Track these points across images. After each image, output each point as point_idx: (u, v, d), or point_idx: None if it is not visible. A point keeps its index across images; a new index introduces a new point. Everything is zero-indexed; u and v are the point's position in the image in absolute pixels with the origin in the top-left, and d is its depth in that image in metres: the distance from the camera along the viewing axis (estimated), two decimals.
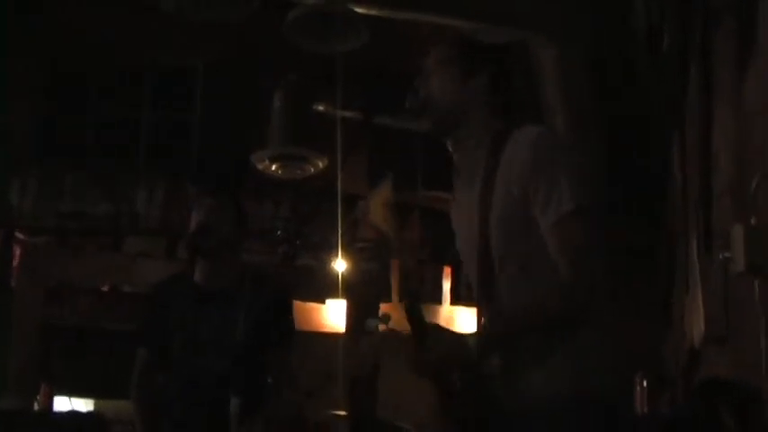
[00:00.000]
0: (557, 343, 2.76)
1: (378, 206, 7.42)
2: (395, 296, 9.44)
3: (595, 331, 2.79)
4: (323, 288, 9.74)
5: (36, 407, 9.00)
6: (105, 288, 11.17)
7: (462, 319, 9.69)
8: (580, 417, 2.72)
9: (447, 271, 10.39)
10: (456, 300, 10.38)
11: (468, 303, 9.29)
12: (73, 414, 8.54)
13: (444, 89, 2.98)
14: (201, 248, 4.35)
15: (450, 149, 3.05)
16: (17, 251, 10.74)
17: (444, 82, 2.98)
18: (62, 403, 10.01)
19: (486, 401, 2.83)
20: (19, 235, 10.79)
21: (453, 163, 3.07)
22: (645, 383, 6.35)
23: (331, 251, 8.79)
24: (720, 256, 5.17)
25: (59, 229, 10.98)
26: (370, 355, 8.97)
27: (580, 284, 2.71)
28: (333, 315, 10.29)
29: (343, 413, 7.91)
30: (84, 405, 10.53)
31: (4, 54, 10.51)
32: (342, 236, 7.67)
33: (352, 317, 9.95)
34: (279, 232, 9.70)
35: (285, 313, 4.42)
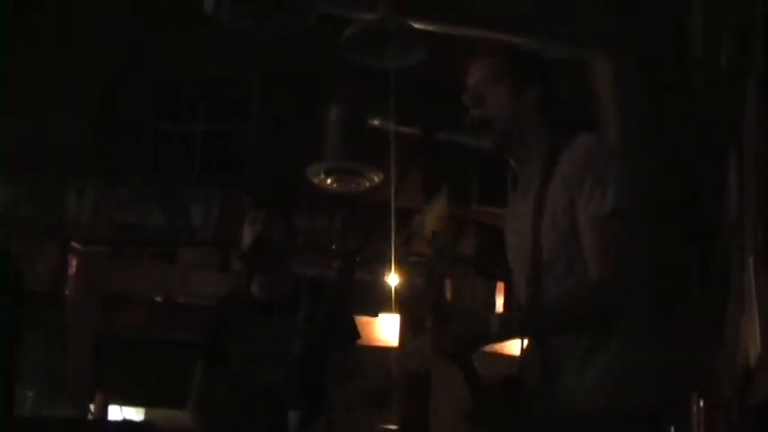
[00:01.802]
0: (595, 350, 2.76)
1: (432, 221, 7.42)
2: None
3: (636, 341, 2.80)
4: (376, 302, 9.75)
5: (90, 416, 9.08)
6: (159, 299, 11.25)
7: None
8: (618, 426, 2.72)
9: (500, 286, 10.37)
10: None
11: None
12: (126, 423, 8.59)
13: (499, 107, 2.98)
14: (256, 262, 4.38)
15: (513, 164, 3.07)
16: (73, 261, 10.84)
17: (498, 100, 2.99)
18: (114, 412, 10.09)
19: (523, 408, 2.84)
20: (75, 245, 10.89)
21: (515, 176, 3.09)
22: (701, 403, 6.30)
23: (384, 265, 8.79)
24: None
25: (115, 240, 11.07)
26: (421, 352, 8.94)
27: (609, 283, 2.72)
28: (386, 329, 10.29)
29: (394, 427, 7.93)
30: (135, 414, 10.61)
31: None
32: (396, 250, 7.67)
33: (406, 331, 9.94)
34: (333, 246, 9.72)
35: (345, 319, 4.45)
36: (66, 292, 10.81)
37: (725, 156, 7.03)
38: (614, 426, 2.70)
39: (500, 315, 2.83)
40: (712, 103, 7.18)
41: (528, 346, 2.95)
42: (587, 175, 2.77)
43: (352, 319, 4.53)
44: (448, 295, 9.90)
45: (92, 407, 9.40)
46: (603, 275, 2.71)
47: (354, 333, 4.51)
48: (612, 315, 2.74)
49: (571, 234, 2.79)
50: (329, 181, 7.49)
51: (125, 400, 10.45)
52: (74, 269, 10.84)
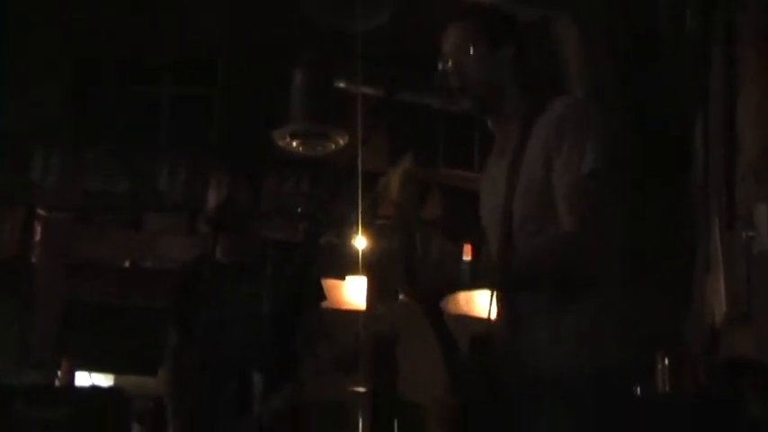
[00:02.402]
0: (567, 316, 2.76)
1: (398, 183, 7.39)
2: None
3: (607, 306, 2.80)
4: (343, 265, 9.74)
5: (57, 382, 9.05)
6: (126, 264, 11.21)
7: (482, 295, 9.68)
8: (590, 392, 2.72)
9: (467, 248, 10.36)
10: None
11: None
12: (95, 389, 8.57)
13: (473, 67, 2.97)
14: (222, 225, 4.36)
15: (490, 126, 3.05)
16: (38, 228, 10.79)
17: (472, 60, 2.97)
18: (82, 378, 10.06)
19: (497, 375, 2.83)
20: (40, 212, 10.83)
21: (485, 138, 3.08)
22: (666, 362, 6.34)
23: (351, 228, 8.77)
24: (744, 235, 5.16)
25: (81, 206, 11.02)
26: (390, 314, 8.94)
27: (581, 236, 2.71)
28: (353, 292, 10.29)
29: (363, 390, 7.94)
30: (104, 380, 10.58)
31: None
32: (362, 213, 7.66)
33: (373, 294, 9.94)
34: (300, 209, 9.70)
35: (310, 281, 4.44)
36: (33, 259, 10.76)
37: (691, 120, 7.06)
38: (583, 386, 2.70)
39: (472, 262, 2.80)
40: (678, 67, 7.20)
41: (497, 306, 2.95)
42: (565, 137, 2.76)
43: (318, 281, 4.51)
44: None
45: (59, 373, 9.35)
46: (575, 229, 2.71)
47: (319, 295, 4.50)
48: (583, 269, 2.74)
49: (546, 195, 2.78)
50: (295, 144, 7.44)
51: (93, 367, 10.41)
52: (39, 236, 10.79)
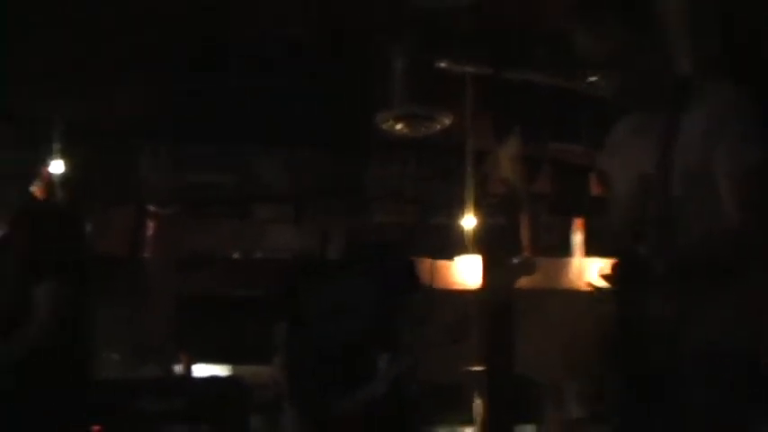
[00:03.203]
0: (724, 297, 2.73)
1: (506, 160, 7.37)
2: (526, 251, 9.35)
3: (759, 288, 2.77)
4: (452, 245, 9.70)
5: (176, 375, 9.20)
6: (237, 256, 11.32)
7: (594, 272, 9.54)
8: (743, 371, 2.69)
9: (578, 223, 10.26)
10: (589, 252, 10.23)
11: (602, 255, 9.14)
12: (213, 380, 8.69)
13: (624, 57, 2.90)
14: (331, 214, 4.43)
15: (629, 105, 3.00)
16: (150, 224, 10.94)
17: (622, 50, 2.90)
18: (199, 371, 10.18)
19: (651, 353, 2.81)
20: (151, 207, 10.98)
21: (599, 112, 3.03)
22: None
23: (459, 208, 8.72)
24: None
25: (189, 199, 11.14)
26: (506, 281, 8.88)
27: (752, 232, 2.68)
28: (462, 272, 10.23)
29: (479, 368, 7.92)
30: (222, 371, 10.71)
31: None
32: (470, 192, 7.62)
33: (487, 272, 9.85)
34: (407, 192, 9.68)
35: (412, 274, 4.50)
36: (145, 255, 10.93)
37: None
38: (737, 366, 2.67)
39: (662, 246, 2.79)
40: None
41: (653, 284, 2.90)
42: (730, 126, 2.74)
43: (414, 273, 4.56)
44: (524, 236, 9.85)
45: (178, 367, 9.50)
46: (746, 225, 2.70)
47: (416, 286, 4.55)
48: (747, 264, 2.73)
49: (708, 179, 2.75)
50: (399, 126, 7.45)
51: (210, 359, 10.55)
52: (152, 231, 10.94)
